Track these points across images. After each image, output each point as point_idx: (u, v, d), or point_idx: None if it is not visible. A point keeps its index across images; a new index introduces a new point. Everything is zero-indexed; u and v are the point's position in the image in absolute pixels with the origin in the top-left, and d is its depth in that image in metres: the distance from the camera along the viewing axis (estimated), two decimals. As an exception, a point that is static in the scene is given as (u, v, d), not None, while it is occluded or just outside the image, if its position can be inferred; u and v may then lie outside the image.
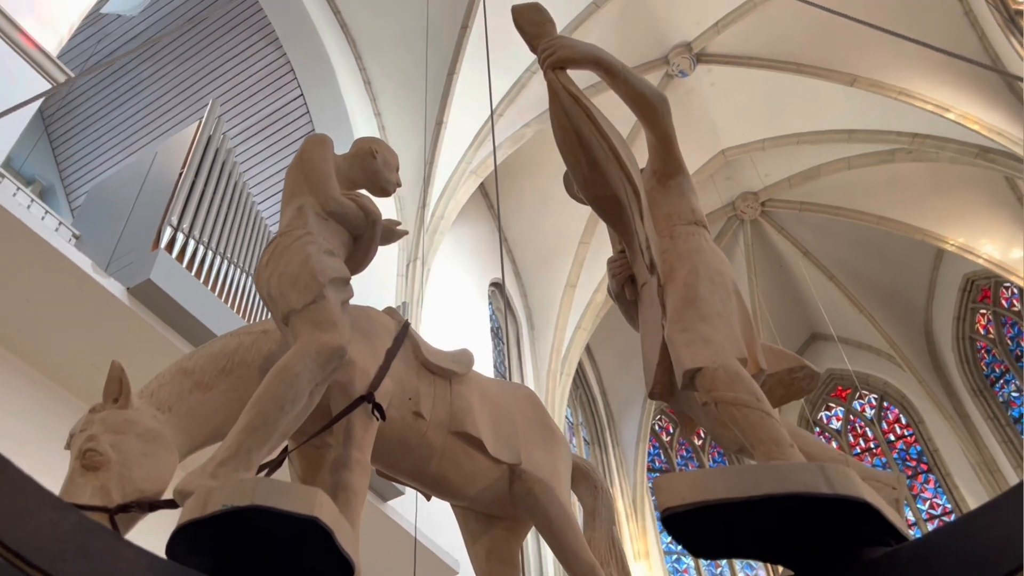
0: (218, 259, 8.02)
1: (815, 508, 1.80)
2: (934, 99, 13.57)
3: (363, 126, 12.35)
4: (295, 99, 12.74)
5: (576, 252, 15.73)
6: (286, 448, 2.82)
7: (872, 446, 19.33)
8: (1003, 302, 17.24)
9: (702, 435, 19.27)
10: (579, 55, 2.94)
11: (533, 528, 3.34)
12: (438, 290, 12.43)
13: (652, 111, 2.97)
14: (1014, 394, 17.20)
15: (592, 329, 16.12)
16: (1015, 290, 16.85)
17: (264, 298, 2.77)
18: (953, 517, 16.57)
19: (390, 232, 3.30)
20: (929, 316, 18.50)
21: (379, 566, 8.15)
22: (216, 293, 7.79)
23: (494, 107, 12.94)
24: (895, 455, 18.93)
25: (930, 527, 16.89)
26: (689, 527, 1.85)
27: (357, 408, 2.71)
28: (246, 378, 2.79)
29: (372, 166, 3.30)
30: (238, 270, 8.29)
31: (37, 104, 7.24)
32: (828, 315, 17.45)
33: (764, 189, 17.57)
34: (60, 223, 8.09)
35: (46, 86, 7.34)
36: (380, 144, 3.39)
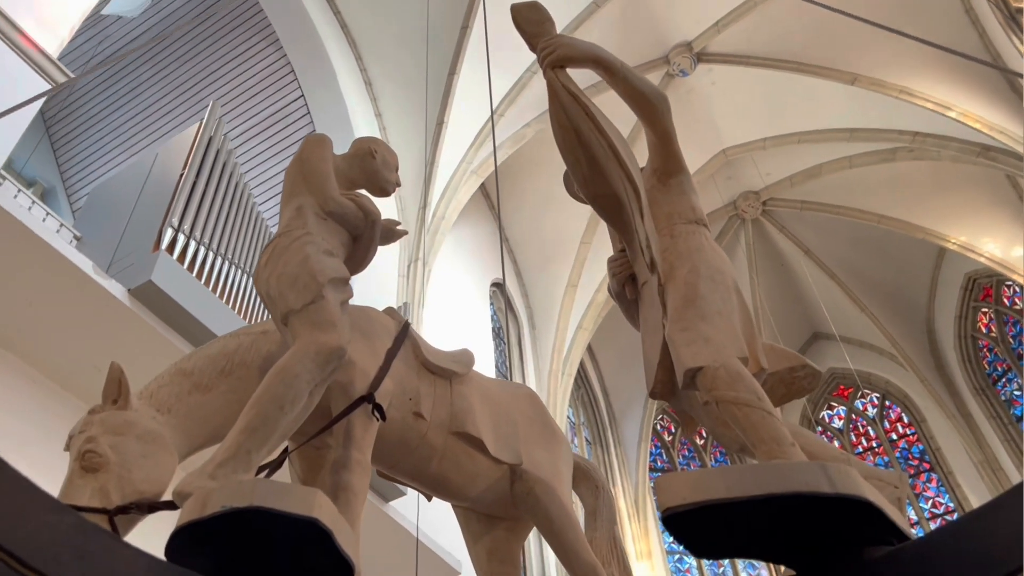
0: (219, 260, 8.02)
1: (817, 507, 1.79)
2: (935, 97, 13.55)
3: (364, 127, 12.35)
4: (296, 100, 12.74)
5: (577, 252, 15.72)
6: (286, 449, 2.81)
7: (874, 445, 19.31)
8: (1005, 300, 17.22)
9: (704, 435, 19.24)
10: (578, 54, 2.93)
11: (535, 528, 3.33)
12: (439, 290, 12.43)
13: (652, 110, 2.96)
14: (1016, 393, 17.17)
15: (594, 329, 16.11)
16: (1017, 288, 16.83)
17: (263, 298, 2.76)
18: (955, 516, 16.55)
19: (390, 232, 3.29)
20: (931, 315, 18.47)
21: (381, 567, 8.14)
22: (217, 294, 7.79)
23: (495, 107, 12.94)
24: (897, 454, 18.90)
25: (932, 526, 16.86)
26: (690, 527, 1.84)
27: (357, 409, 2.70)
28: (246, 379, 2.78)
29: (371, 166, 3.29)
30: (239, 271, 8.29)
31: (38, 106, 7.24)
32: (830, 314, 17.42)
33: (765, 188, 17.54)
34: (61, 225, 8.09)
35: (47, 88, 7.34)
36: (379, 144, 3.38)
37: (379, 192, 3.34)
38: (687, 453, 19.49)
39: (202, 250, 7.80)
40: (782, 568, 2.06)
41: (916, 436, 18.85)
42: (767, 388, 2.51)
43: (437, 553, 8.63)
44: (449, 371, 3.19)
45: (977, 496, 16.60)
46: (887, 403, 19.60)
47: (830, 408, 20.25)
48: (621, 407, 18.41)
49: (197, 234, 7.80)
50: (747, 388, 2.30)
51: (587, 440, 17.52)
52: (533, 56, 3.00)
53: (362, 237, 3.11)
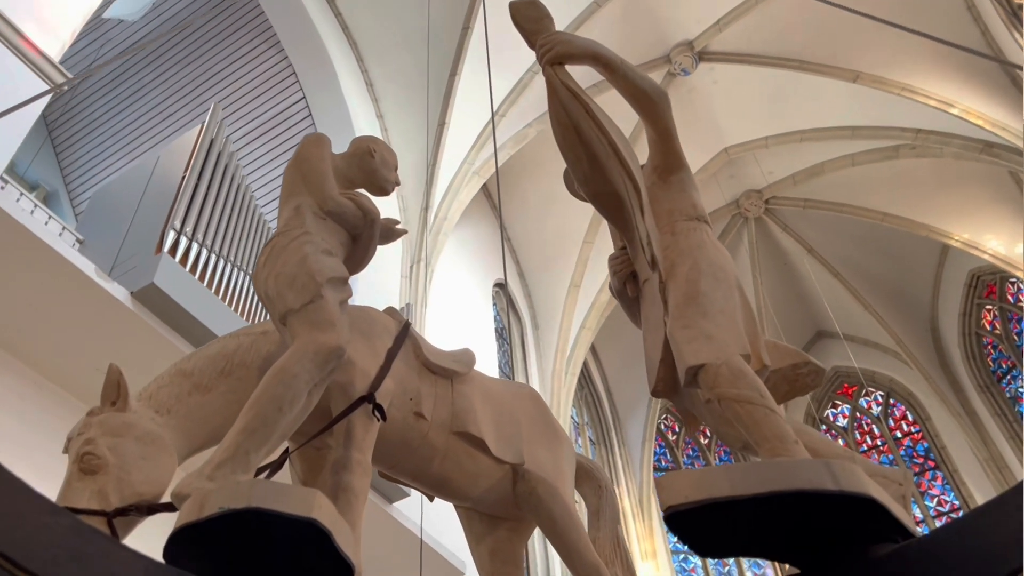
0: (221, 262, 8.02)
1: (821, 505, 1.78)
2: (937, 95, 13.52)
3: (365, 128, 12.34)
4: (297, 102, 12.74)
5: (580, 252, 15.71)
6: (287, 450, 2.80)
7: (879, 443, 19.27)
8: (1009, 297, 17.18)
9: (708, 434, 19.24)
10: (577, 50, 2.91)
11: (539, 529, 3.32)
12: (442, 291, 12.42)
13: (652, 106, 2.95)
14: (1021, 390, 17.13)
15: (596, 329, 16.10)
16: (1021, 285, 16.79)
17: (262, 298, 2.75)
18: (961, 514, 16.52)
19: (389, 231, 3.27)
20: (935, 312, 18.43)
21: (385, 568, 8.14)
22: (220, 296, 7.79)
23: (496, 108, 12.93)
24: (902, 452, 18.87)
25: (938, 524, 16.82)
26: (693, 526, 1.83)
27: (357, 409, 2.69)
28: (245, 380, 2.76)
29: (370, 165, 3.28)
30: (241, 273, 8.29)
31: (39, 109, 7.24)
32: (833, 312, 17.39)
33: (768, 187, 17.51)
34: (64, 228, 8.10)
35: (50, 92, 7.35)
36: (378, 143, 3.37)
37: (378, 191, 3.32)
38: (691, 452, 19.47)
39: (204, 252, 7.80)
40: (787, 567, 2.05)
41: (920, 434, 18.82)
42: (770, 386, 2.49)
43: (441, 554, 8.62)
44: (450, 371, 3.18)
45: (982, 494, 16.56)
46: (891, 401, 19.56)
47: (834, 406, 20.22)
48: (625, 407, 18.39)
49: (199, 236, 7.80)
50: (749, 385, 2.29)
51: (591, 440, 17.50)
52: (534, 56, 2.98)
53: (361, 236, 3.09)
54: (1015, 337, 17.19)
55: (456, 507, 3.40)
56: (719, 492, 1.76)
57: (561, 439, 3.48)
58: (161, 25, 12.81)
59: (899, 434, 19.22)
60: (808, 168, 16.75)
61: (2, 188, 7.43)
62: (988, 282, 17.41)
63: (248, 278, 8.36)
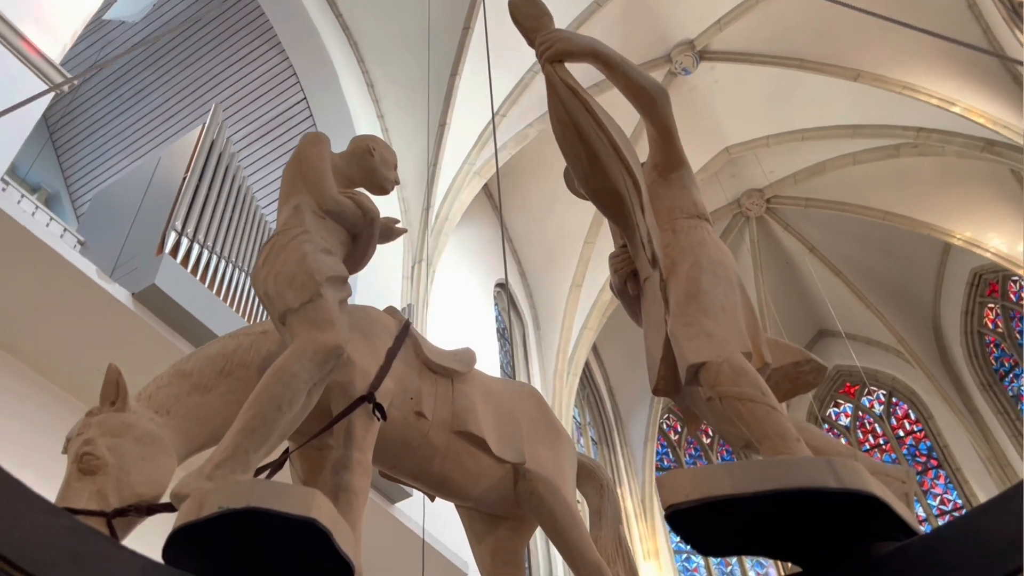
0: (223, 263, 8.02)
1: (823, 503, 1.77)
2: (939, 93, 13.50)
3: (366, 129, 12.34)
4: (298, 103, 12.74)
5: (581, 252, 15.70)
6: (287, 450, 2.79)
7: (881, 442, 19.25)
8: (1011, 295, 17.16)
9: (710, 433, 19.22)
10: (577, 48, 2.90)
11: (540, 528, 3.31)
12: (443, 292, 12.42)
13: (652, 103, 2.94)
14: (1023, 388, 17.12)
15: (598, 329, 16.09)
16: (1023, 283, 16.76)
17: (261, 298, 2.74)
18: (964, 512, 16.48)
19: (389, 230, 3.26)
20: (937, 311, 18.41)
21: (388, 569, 8.13)
22: (221, 297, 7.79)
23: (497, 108, 12.92)
24: (904, 451, 18.84)
25: (941, 523, 16.78)
26: (694, 524, 1.82)
27: (358, 408, 2.68)
28: (245, 379, 2.75)
29: (370, 164, 3.27)
30: (242, 274, 8.29)
31: (40, 111, 7.24)
32: (835, 311, 17.37)
33: (769, 186, 17.49)
34: (65, 230, 8.11)
35: (49, 93, 7.35)
36: (377, 141, 3.36)
37: (378, 190, 3.32)
38: (693, 452, 19.45)
39: (205, 253, 7.80)
40: (789, 565, 2.04)
41: (923, 433, 18.79)
42: (771, 384, 2.48)
43: (444, 554, 8.62)
44: (451, 370, 3.16)
45: (985, 492, 16.52)
46: (894, 400, 19.54)
47: (836, 405, 20.20)
48: (627, 407, 18.38)
49: (200, 237, 7.80)
50: (751, 383, 2.27)
51: (593, 440, 17.49)
52: (535, 56, 2.96)
53: (361, 235, 3.08)
54: (1017, 335, 17.17)
55: (457, 507, 3.39)
56: (720, 490, 1.75)
57: (562, 438, 3.46)
58: (162, 27, 12.81)
59: (901, 433, 19.19)
60: (809, 167, 16.73)
61: (3, 190, 7.43)
62: (990, 280, 17.38)
63: (249, 279, 8.35)
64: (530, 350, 15.56)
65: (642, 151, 3.07)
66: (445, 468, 3.05)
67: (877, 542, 1.85)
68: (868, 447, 19.23)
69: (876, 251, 18.14)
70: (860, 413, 19.88)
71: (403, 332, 3.14)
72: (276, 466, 2.62)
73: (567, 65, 2.89)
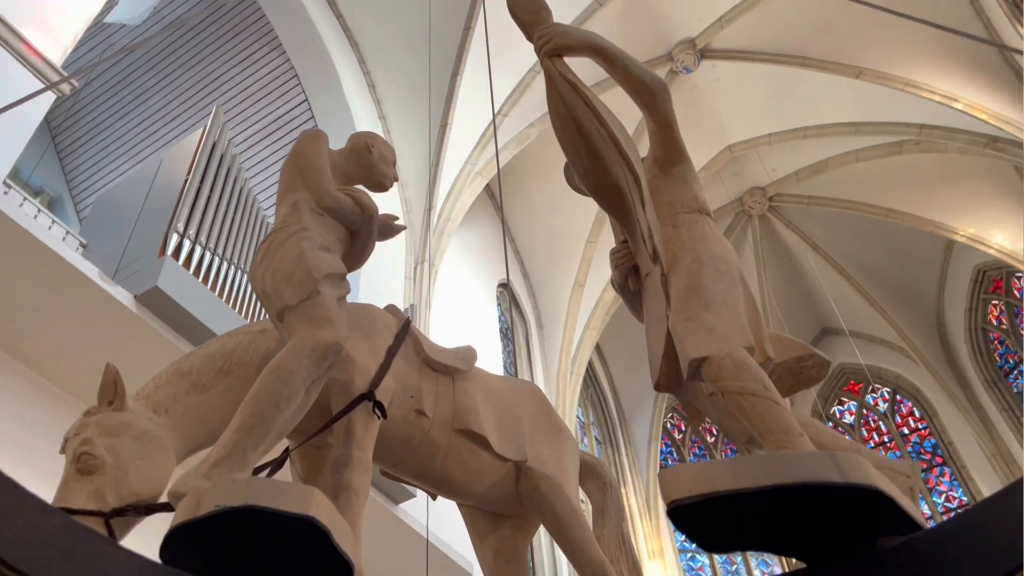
0: (225, 264, 8.02)
1: (827, 498, 1.75)
2: (941, 89, 13.47)
3: (368, 129, 12.32)
4: (300, 104, 12.74)
5: (584, 251, 15.69)
6: (287, 448, 2.77)
7: (886, 440, 19.22)
8: (1015, 292, 17.11)
9: (715, 432, 19.20)
10: (576, 42, 2.88)
11: (543, 527, 3.29)
12: (446, 292, 12.41)
13: (651, 97, 2.92)
14: (1028, 385, 17.08)
15: (601, 328, 16.07)
16: (1027, 280, 16.74)
17: (259, 295, 2.72)
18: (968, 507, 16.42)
19: (388, 227, 3.24)
20: (941, 308, 18.37)
21: (391, 569, 8.12)
22: (223, 298, 7.79)
23: (498, 108, 12.92)
24: (909, 448, 18.81)
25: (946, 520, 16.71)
26: (696, 520, 1.80)
27: (358, 407, 2.66)
28: (244, 378, 2.73)
29: (368, 161, 3.26)
30: (245, 275, 8.29)
31: (41, 113, 7.25)
32: (839, 309, 17.35)
33: (771, 184, 17.47)
34: (67, 232, 8.12)
35: (50, 96, 7.36)
36: (376, 138, 3.34)
37: (377, 187, 3.30)
38: (697, 451, 19.42)
39: (207, 255, 7.81)
40: (793, 561, 2.02)
41: (928, 430, 18.76)
42: (774, 379, 2.45)
43: (447, 554, 8.61)
44: (451, 368, 3.15)
45: (990, 489, 16.47)
46: (898, 397, 19.50)
47: (840, 403, 20.17)
48: (630, 406, 18.36)
49: (202, 239, 7.81)
50: (753, 378, 2.25)
51: (597, 439, 17.47)
52: (536, 56, 2.94)
53: (360, 233, 3.06)
54: (1021, 332, 17.12)
55: (459, 505, 3.37)
56: (723, 485, 1.73)
57: (564, 435, 3.44)
58: (163, 29, 12.81)
59: (906, 430, 19.16)
60: (812, 165, 16.71)
61: (5, 193, 7.43)
62: (994, 277, 17.34)
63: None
64: (533, 350, 15.55)
65: (644, 149, 3.05)
66: (446, 466, 3.03)
67: (882, 537, 1.83)
68: (872, 445, 19.18)
69: (879, 248, 18.11)
70: (864, 411, 19.85)
71: (403, 330, 3.12)
72: (276, 465, 2.60)
73: (566, 60, 2.87)
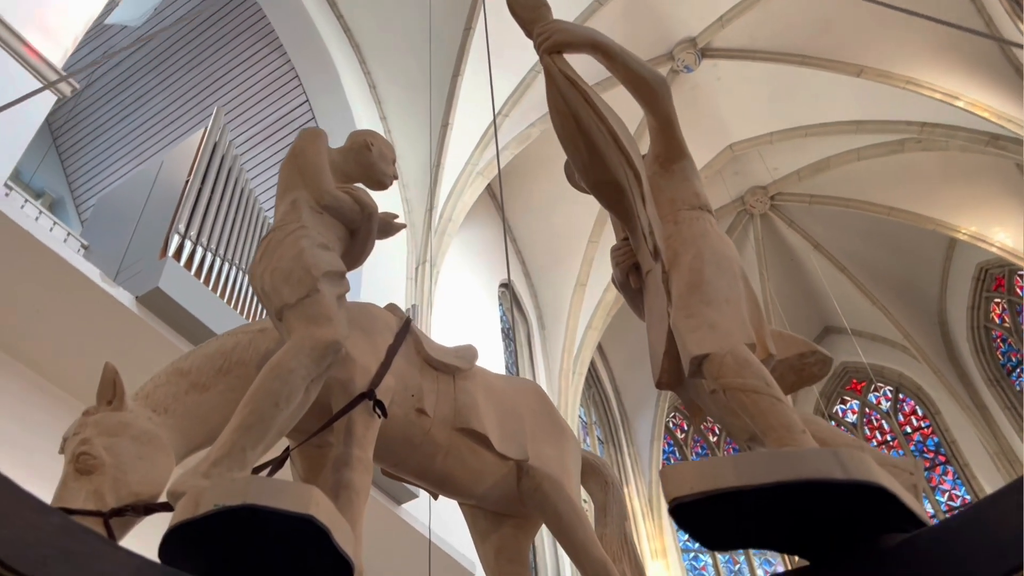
0: (226, 265, 8.03)
1: (829, 495, 1.74)
2: (942, 87, 13.45)
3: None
4: (300, 105, 12.74)
5: (585, 251, 15.68)
6: (288, 448, 2.76)
7: (889, 438, 19.20)
8: (1018, 290, 17.08)
9: (717, 431, 19.19)
10: (576, 38, 2.87)
11: (545, 526, 3.28)
12: (448, 292, 12.40)
13: (652, 94, 2.90)
14: (1031, 383, 17.05)
15: (603, 328, 16.06)
16: (1030, 278, 16.71)
17: (258, 294, 2.70)
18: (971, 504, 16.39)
19: (388, 225, 3.23)
20: (943, 306, 18.35)
21: (394, 570, 8.12)
22: (225, 299, 7.80)
23: (499, 108, 12.92)
24: (912, 447, 18.78)
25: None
26: (698, 517, 1.79)
27: (358, 406, 2.65)
28: (244, 378, 2.71)
29: (368, 159, 3.24)
30: (246, 276, 8.28)
31: (42, 115, 7.25)
32: (841, 308, 17.32)
33: (773, 183, 17.46)
34: (69, 234, 8.12)
35: (51, 98, 7.37)
36: (376, 136, 3.33)
37: (376, 185, 3.29)
38: (700, 450, 19.41)
39: (209, 255, 7.81)
40: (796, 559, 2.01)
41: (931, 429, 18.74)
42: (776, 376, 2.43)
43: (450, 555, 8.59)
44: (452, 367, 3.13)
45: (993, 488, 16.24)
46: (901, 396, 19.48)
47: (843, 402, 20.15)
48: (633, 406, 18.35)
49: (204, 240, 7.81)
50: (755, 374, 2.24)
51: (599, 439, 17.46)
52: (536, 56, 2.93)
53: (359, 231, 3.05)
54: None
55: (461, 505, 3.36)
56: (725, 483, 1.72)
57: (566, 434, 3.43)
58: (164, 31, 12.82)
59: (909, 429, 19.13)
60: (813, 163, 16.70)
61: (6, 195, 7.43)
62: (996, 275, 17.32)
63: (251, 280, 8.33)
64: (535, 350, 15.54)
65: (645, 147, 3.04)
66: (448, 465, 3.02)
67: (885, 534, 1.82)
68: (875, 443, 19.16)
69: (881, 247, 18.09)
70: (867, 409, 19.83)
71: (404, 329, 3.11)
72: (277, 464, 2.59)
73: (566, 57, 2.85)
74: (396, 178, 3.37)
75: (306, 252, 2.68)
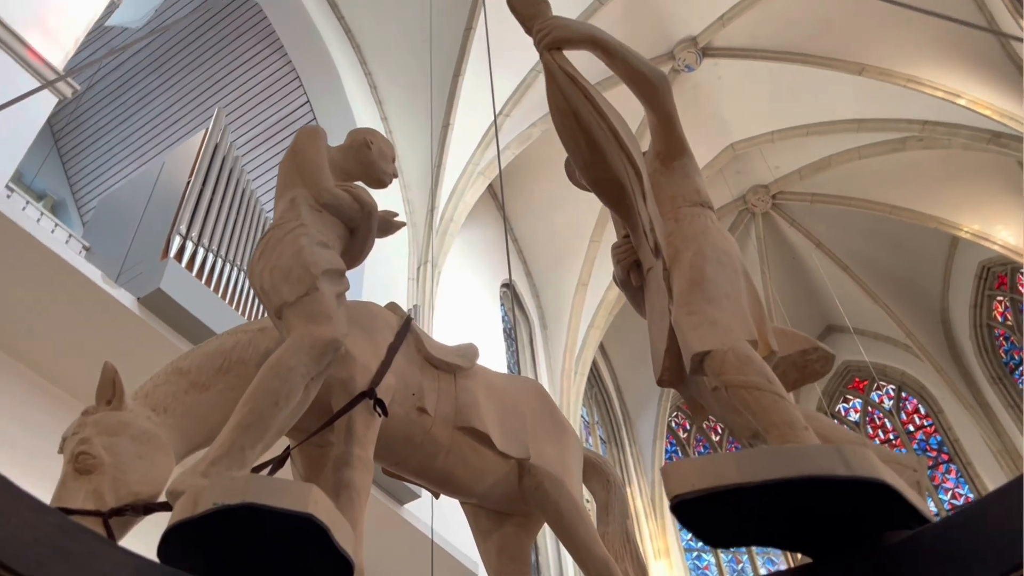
0: (227, 266, 8.02)
1: (833, 491, 1.72)
2: (944, 85, 13.43)
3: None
4: (302, 106, 12.74)
5: (587, 251, 15.67)
6: (289, 447, 2.75)
7: (891, 437, 19.17)
8: (1020, 288, 17.05)
9: (720, 430, 19.16)
10: (575, 35, 2.86)
11: (547, 525, 3.27)
12: (449, 293, 12.40)
13: (652, 90, 2.89)
14: (1034, 381, 17.02)
15: (605, 327, 16.05)
16: (1032, 276, 16.68)
17: (257, 292, 2.69)
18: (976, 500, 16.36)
19: (387, 223, 3.22)
20: (945, 304, 18.32)
21: (397, 570, 8.11)
22: (226, 300, 7.80)
23: (499, 108, 12.91)
24: (915, 446, 18.75)
25: (954, 518, 16.64)
26: (700, 515, 1.77)
27: (358, 405, 2.64)
28: (243, 377, 2.70)
29: (367, 157, 3.23)
30: (247, 276, 8.28)
31: (43, 117, 7.25)
32: (843, 306, 17.30)
33: (775, 182, 17.44)
34: (70, 236, 8.12)
35: (53, 100, 7.37)
36: (375, 134, 3.32)
37: (376, 183, 3.28)
38: (702, 450, 19.38)
39: (210, 257, 7.81)
40: (799, 557, 2.00)
41: (933, 427, 18.71)
42: (779, 373, 2.42)
43: (453, 555, 8.58)
44: (453, 365, 3.12)
45: (996, 486, 16.35)
46: (903, 395, 19.45)
47: (845, 401, 20.12)
48: (635, 405, 18.33)
49: (205, 241, 7.81)
50: (757, 371, 2.22)
51: (602, 439, 17.44)
52: (537, 56, 2.91)
53: (359, 229, 3.03)
54: (1027, 328, 17.08)
55: (462, 504, 3.35)
56: (727, 479, 1.71)
57: (567, 433, 3.42)
58: (165, 33, 12.83)
59: (912, 427, 19.11)
60: (815, 162, 16.68)
61: (8, 197, 7.43)
62: (999, 273, 17.29)
63: (252, 280, 8.33)
64: (537, 350, 15.53)
65: (645, 146, 3.02)
66: (449, 464, 3.00)
67: (888, 531, 1.81)
68: (878, 442, 19.11)
69: (883, 245, 18.07)
70: (869, 408, 19.80)
71: (404, 327, 3.10)
72: (277, 463, 2.58)
73: (566, 54, 2.84)
74: (396, 176, 3.36)
75: (305, 250, 2.66)
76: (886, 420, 19.48)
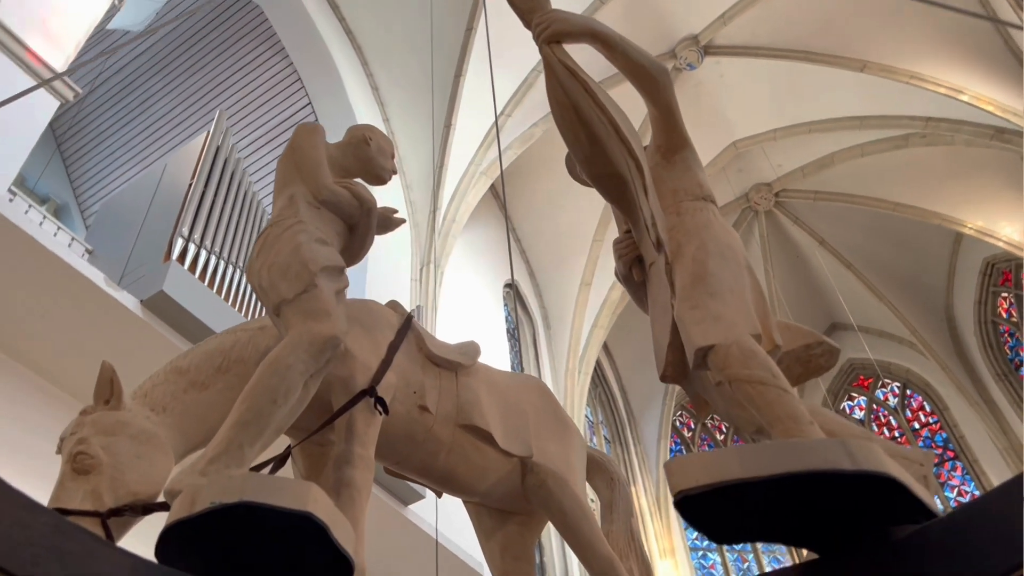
0: (230, 268, 8.03)
1: (838, 486, 1.70)
2: (946, 82, 13.39)
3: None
4: (303, 108, 12.74)
5: (590, 250, 15.65)
6: (289, 446, 2.73)
7: (897, 435, 19.12)
8: (1025, 284, 17.01)
9: (724, 429, 19.13)
10: (575, 28, 2.84)
11: (551, 523, 3.24)
12: (452, 293, 12.39)
13: (652, 83, 2.87)
14: (1039, 377, 16.96)
15: (609, 327, 16.03)
16: (1036, 272, 16.63)
17: (256, 290, 2.67)
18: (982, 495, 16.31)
19: (387, 220, 3.20)
20: (950, 301, 18.27)
21: (402, 571, 8.10)
22: (229, 302, 7.80)
23: (501, 108, 12.90)
24: (920, 443, 18.69)
25: (960, 515, 16.59)
26: (704, 510, 1.75)
27: (359, 403, 2.62)
28: (243, 376, 2.67)
29: (366, 153, 3.22)
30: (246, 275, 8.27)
31: (45, 120, 7.26)
32: (847, 304, 17.25)
33: (777, 180, 17.40)
34: (73, 239, 8.12)
35: (55, 103, 7.38)
36: (374, 131, 3.31)
37: (375, 180, 3.26)
38: (707, 449, 19.35)
39: (213, 258, 7.81)
40: (805, 553, 1.98)
41: (939, 424, 18.66)
42: (783, 367, 2.39)
43: (457, 555, 8.57)
44: (454, 363, 3.10)
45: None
46: (908, 392, 19.41)
47: (850, 399, 20.07)
48: (639, 405, 18.30)
49: (207, 243, 7.81)
50: (761, 365, 2.20)
51: (606, 439, 17.43)
52: (538, 56, 2.88)
53: (358, 226, 3.01)
54: (1032, 324, 17.03)
55: (465, 503, 3.33)
56: (731, 475, 1.68)
57: (570, 431, 3.39)
58: (167, 35, 12.84)
59: (917, 425, 19.06)
60: (817, 160, 16.64)
61: (11, 200, 7.43)
62: (1003, 269, 17.23)
63: (255, 281, 8.33)
64: (540, 350, 15.52)
65: (647, 142, 3.00)
66: (451, 463, 2.98)
67: (895, 525, 1.79)
68: (884, 440, 19.08)
69: (887, 243, 18.02)
70: (874, 406, 19.76)
71: (405, 325, 3.08)
72: (278, 462, 2.56)
73: (566, 48, 2.82)
74: (395, 172, 3.35)
75: (303, 247, 2.64)
76: (891, 418, 19.43)
